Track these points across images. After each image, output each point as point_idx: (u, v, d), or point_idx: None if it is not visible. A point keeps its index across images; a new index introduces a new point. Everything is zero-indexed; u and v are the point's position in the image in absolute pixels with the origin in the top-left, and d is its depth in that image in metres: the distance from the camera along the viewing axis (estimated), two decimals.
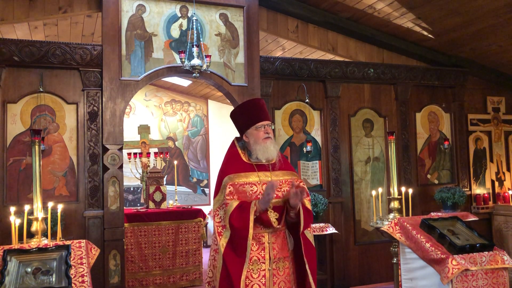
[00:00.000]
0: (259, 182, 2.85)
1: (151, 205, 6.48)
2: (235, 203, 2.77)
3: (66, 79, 4.96)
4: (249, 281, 2.75)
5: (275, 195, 2.80)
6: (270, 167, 2.93)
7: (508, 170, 7.16)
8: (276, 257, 2.82)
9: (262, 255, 2.79)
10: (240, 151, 2.97)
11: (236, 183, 2.84)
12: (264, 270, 2.78)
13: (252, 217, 2.70)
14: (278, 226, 2.82)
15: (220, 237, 2.77)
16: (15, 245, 3.09)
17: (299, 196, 2.73)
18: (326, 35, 6.47)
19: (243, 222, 2.71)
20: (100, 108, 4.97)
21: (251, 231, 2.70)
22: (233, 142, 3.05)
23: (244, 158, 2.94)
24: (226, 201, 2.80)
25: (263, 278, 2.76)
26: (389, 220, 4.37)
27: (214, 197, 2.92)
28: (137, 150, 7.08)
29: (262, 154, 2.88)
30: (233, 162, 2.94)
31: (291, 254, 2.92)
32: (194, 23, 5.09)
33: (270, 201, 2.72)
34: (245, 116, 2.97)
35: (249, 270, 2.76)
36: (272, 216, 2.81)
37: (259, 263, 2.77)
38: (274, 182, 2.71)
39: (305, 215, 2.84)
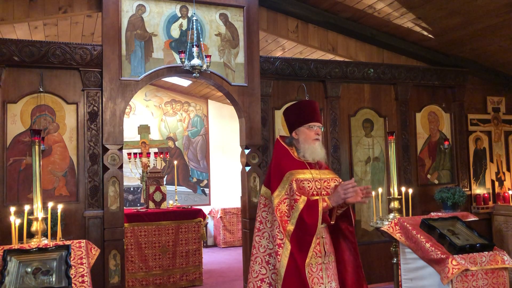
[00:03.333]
0: (312, 179, 2.95)
1: (151, 205, 6.48)
2: (304, 199, 2.84)
3: (66, 79, 4.96)
4: (310, 275, 2.84)
5: (325, 192, 2.96)
6: (317, 165, 3.05)
7: (508, 170, 7.16)
8: (328, 251, 2.94)
9: (319, 249, 2.90)
10: (288, 148, 3.07)
11: (298, 179, 2.93)
12: (320, 264, 2.89)
13: (320, 215, 2.78)
14: (332, 223, 2.96)
15: (285, 231, 2.81)
16: (15, 245, 3.09)
17: (360, 195, 2.87)
18: (326, 35, 6.47)
19: (313, 218, 2.78)
20: (100, 108, 4.97)
21: (319, 227, 2.79)
22: (278, 140, 3.14)
23: (294, 155, 3.04)
24: (295, 196, 2.85)
25: (320, 272, 2.88)
26: (389, 220, 4.37)
27: (273, 192, 2.92)
28: (137, 150, 7.08)
29: (310, 154, 3.01)
30: (288, 158, 3.03)
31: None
32: (194, 23, 5.09)
33: (344, 200, 2.83)
34: (300, 114, 3.08)
35: (309, 264, 2.85)
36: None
37: (316, 257, 2.88)
38: (351, 182, 2.83)
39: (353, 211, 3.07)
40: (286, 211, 2.85)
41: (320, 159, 3.06)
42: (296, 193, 2.86)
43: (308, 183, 2.94)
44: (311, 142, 3.01)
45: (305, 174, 2.96)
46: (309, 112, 3.06)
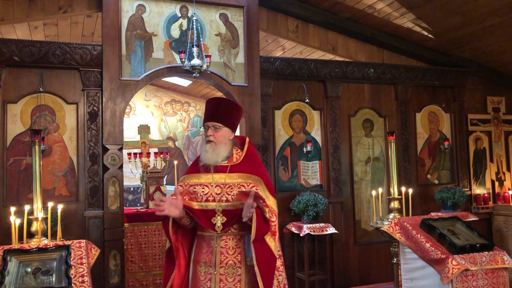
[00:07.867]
0: (212, 184, 2.76)
1: (151, 205, 6.47)
2: None
3: (66, 79, 4.96)
4: (196, 282, 2.77)
5: (226, 198, 2.73)
6: (228, 168, 2.79)
7: (508, 170, 7.16)
8: (223, 262, 2.72)
9: (209, 258, 2.74)
10: None
11: (186, 183, 2.81)
12: (211, 273, 2.73)
13: (170, 226, 2.75)
14: (219, 232, 2.73)
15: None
16: (15, 245, 3.09)
17: (249, 209, 2.57)
18: (326, 35, 6.47)
19: (165, 230, 2.81)
20: (100, 108, 4.97)
21: (172, 238, 2.80)
22: None
23: None
24: None
25: (209, 282, 2.72)
26: (389, 220, 4.37)
27: None
28: (137, 150, 7.07)
29: (203, 158, 2.81)
30: (195, 164, 2.90)
31: (250, 262, 2.71)
32: (194, 23, 5.09)
33: (172, 209, 2.66)
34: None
35: (198, 271, 2.78)
36: (219, 220, 2.72)
37: (206, 266, 2.75)
38: (162, 197, 2.67)
39: (258, 223, 2.63)
40: None
41: (213, 162, 2.76)
42: (172, 197, 2.73)
43: (202, 188, 2.75)
44: (204, 144, 2.83)
45: (202, 179, 2.77)
46: (206, 113, 2.83)
